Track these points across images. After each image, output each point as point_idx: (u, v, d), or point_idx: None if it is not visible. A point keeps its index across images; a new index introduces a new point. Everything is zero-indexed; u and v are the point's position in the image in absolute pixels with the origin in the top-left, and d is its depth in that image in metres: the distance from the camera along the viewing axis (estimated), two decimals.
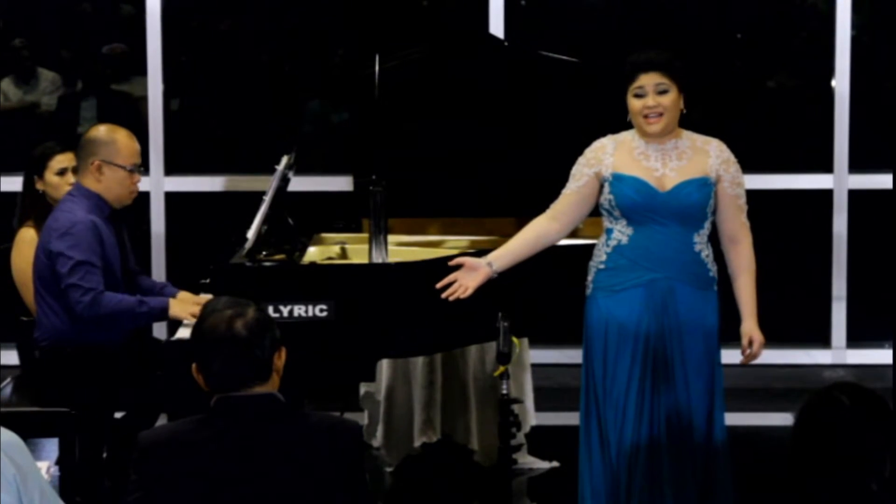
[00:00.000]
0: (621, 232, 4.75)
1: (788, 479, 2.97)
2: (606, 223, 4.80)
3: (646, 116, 4.70)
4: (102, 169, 5.30)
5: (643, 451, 4.69)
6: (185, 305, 5.24)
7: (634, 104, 4.72)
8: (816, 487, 2.92)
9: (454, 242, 5.90)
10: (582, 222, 5.02)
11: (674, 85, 4.71)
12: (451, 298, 4.78)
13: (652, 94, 4.69)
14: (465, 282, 4.79)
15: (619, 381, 4.72)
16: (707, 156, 4.76)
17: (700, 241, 4.75)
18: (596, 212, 4.85)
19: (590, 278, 4.82)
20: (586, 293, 4.83)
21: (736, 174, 4.77)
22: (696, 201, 4.71)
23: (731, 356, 4.91)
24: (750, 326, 4.80)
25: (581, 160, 4.82)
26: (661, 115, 4.69)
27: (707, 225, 4.76)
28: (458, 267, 4.83)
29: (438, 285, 4.80)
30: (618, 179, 4.73)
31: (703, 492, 4.75)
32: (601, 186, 4.77)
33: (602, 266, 4.78)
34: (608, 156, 4.77)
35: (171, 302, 5.25)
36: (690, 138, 4.80)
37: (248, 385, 3.24)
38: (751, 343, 4.80)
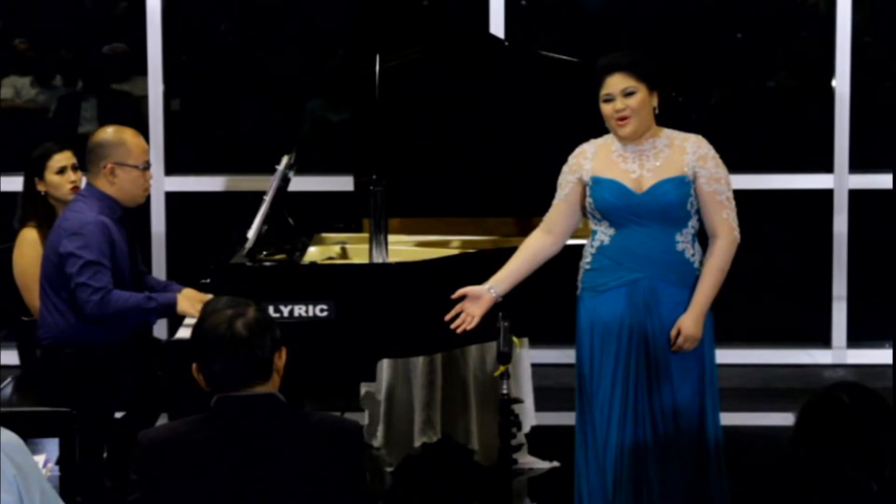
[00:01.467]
0: (604, 233, 4.76)
1: (789, 479, 2.97)
2: (591, 225, 4.82)
3: (617, 120, 4.70)
4: (115, 171, 5.30)
5: (628, 452, 4.69)
6: (194, 302, 5.26)
7: (605, 109, 4.73)
8: (817, 487, 2.92)
9: (454, 242, 5.90)
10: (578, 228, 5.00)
11: (641, 85, 4.70)
12: (458, 330, 4.80)
13: (619, 97, 4.69)
14: (470, 311, 4.81)
15: (604, 382, 4.73)
16: (684, 153, 4.74)
17: (683, 241, 4.73)
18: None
19: (579, 278, 4.84)
20: (577, 293, 4.84)
21: (714, 170, 4.72)
22: (672, 200, 4.69)
23: (729, 356, 4.89)
24: (684, 318, 4.68)
25: (565, 168, 4.85)
26: (627, 118, 4.69)
27: (691, 224, 4.74)
28: (461, 299, 4.84)
29: (447, 318, 4.81)
30: (596, 183, 4.74)
31: (697, 493, 4.74)
32: (585, 190, 4.78)
33: (588, 266, 4.80)
34: (588, 161, 4.79)
35: (179, 298, 5.26)
36: (669, 137, 4.78)
37: (248, 385, 3.24)
38: (678, 335, 4.68)
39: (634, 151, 4.76)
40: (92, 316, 5.13)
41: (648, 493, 4.70)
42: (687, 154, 4.73)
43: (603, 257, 4.75)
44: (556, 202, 4.86)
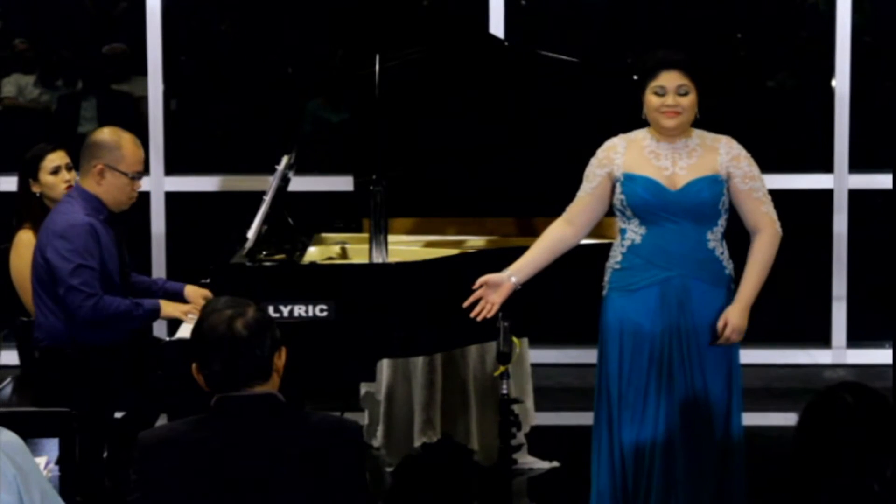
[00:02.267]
0: (634, 231, 4.74)
1: (791, 479, 2.96)
2: (620, 223, 4.79)
3: (664, 112, 4.69)
4: (105, 173, 5.29)
5: (660, 451, 4.68)
6: (177, 304, 5.28)
7: (653, 101, 4.70)
8: (819, 487, 2.92)
9: (455, 242, 5.89)
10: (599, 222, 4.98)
11: (693, 86, 4.70)
12: (479, 318, 4.77)
13: (672, 93, 4.68)
14: (490, 299, 4.78)
15: (635, 382, 4.71)
16: (716, 153, 4.75)
17: (714, 239, 4.74)
18: (609, 213, 4.84)
19: (606, 279, 4.81)
20: (602, 294, 4.82)
21: (748, 168, 4.74)
22: (706, 199, 4.70)
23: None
24: (730, 310, 4.71)
25: (593, 161, 4.81)
26: (679, 113, 4.68)
27: (721, 222, 4.75)
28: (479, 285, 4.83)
29: (465, 304, 4.79)
30: (629, 179, 4.72)
31: (716, 491, 4.74)
32: (614, 186, 4.77)
33: (617, 266, 4.77)
34: (619, 156, 4.76)
35: (162, 303, 5.30)
36: (701, 136, 4.78)
37: (248, 385, 3.23)
38: (726, 326, 4.70)
39: (667, 149, 4.75)
40: (84, 321, 5.14)
41: (675, 493, 4.69)
42: (720, 154, 4.74)
43: (634, 256, 4.74)
44: (581, 195, 4.82)
